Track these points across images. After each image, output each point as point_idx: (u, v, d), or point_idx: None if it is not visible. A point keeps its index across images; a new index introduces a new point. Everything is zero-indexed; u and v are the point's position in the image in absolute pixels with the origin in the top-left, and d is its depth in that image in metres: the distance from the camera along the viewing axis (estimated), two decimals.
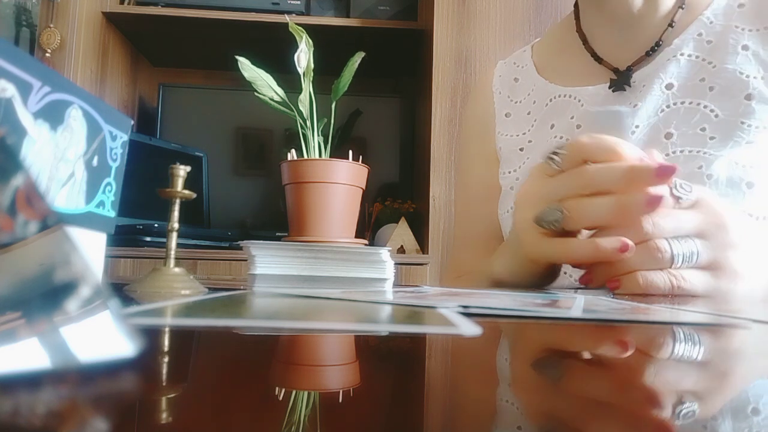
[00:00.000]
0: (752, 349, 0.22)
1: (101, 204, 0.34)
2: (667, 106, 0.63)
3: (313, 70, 0.61)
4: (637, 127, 0.63)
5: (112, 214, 0.35)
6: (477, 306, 0.31)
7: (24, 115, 0.26)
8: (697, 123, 0.60)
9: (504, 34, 1.67)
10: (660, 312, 0.32)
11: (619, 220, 0.45)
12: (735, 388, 0.15)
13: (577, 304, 0.35)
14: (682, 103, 0.62)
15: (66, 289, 0.14)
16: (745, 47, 0.62)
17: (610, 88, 0.68)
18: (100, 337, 0.14)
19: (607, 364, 0.18)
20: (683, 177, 0.58)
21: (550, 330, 0.25)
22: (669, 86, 0.64)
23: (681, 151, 0.60)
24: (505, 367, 0.18)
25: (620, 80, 0.67)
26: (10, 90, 0.24)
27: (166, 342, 0.20)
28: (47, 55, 1.61)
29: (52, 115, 0.28)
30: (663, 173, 0.44)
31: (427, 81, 1.67)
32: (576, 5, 0.76)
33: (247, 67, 0.60)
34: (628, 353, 0.20)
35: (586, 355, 0.20)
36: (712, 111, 0.60)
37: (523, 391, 0.14)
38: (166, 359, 0.17)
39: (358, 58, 0.63)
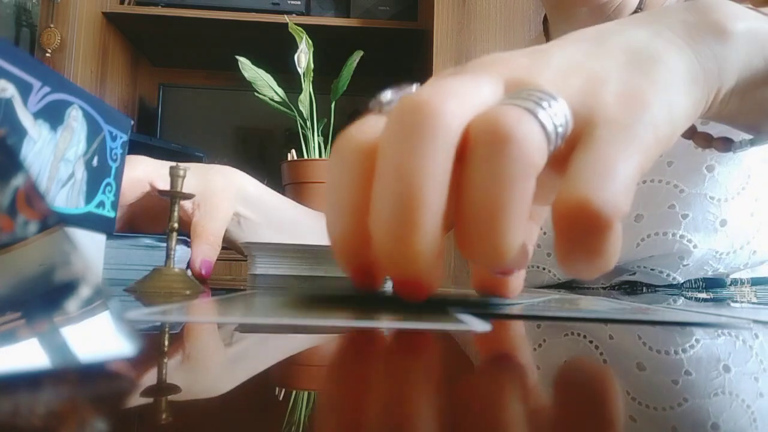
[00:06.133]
0: (751, 348, 0.22)
1: (101, 204, 0.34)
2: None
3: (313, 70, 0.61)
4: None
5: (112, 214, 0.35)
6: (477, 305, 0.31)
7: (24, 115, 0.26)
8: None
9: (504, 34, 1.67)
10: (660, 312, 0.32)
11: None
12: (733, 387, 0.15)
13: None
14: None
15: (66, 289, 0.14)
16: None
17: None
18: (100, 337, 0.14)
19: (609, 363, 0.18)
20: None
21: (550, 329, 0.25)
22: None
23: None
24: (517, 362, 0.18)
25: None
26: (10, 90, 0.24)
27: (166, 342, 0.20)
28: (47, 55, 1.61)
29: (52, 115, 0.28)
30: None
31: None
32: (545, 21, 0.77)
33: (247, 67, 0.60)
34: (632, 352, 0.20)
35: (590, 353, 0.20)
36: None
37: (531, 388, 0.14)
38: (166, 359, 0.17)
39: (356, 57, 0.63)
